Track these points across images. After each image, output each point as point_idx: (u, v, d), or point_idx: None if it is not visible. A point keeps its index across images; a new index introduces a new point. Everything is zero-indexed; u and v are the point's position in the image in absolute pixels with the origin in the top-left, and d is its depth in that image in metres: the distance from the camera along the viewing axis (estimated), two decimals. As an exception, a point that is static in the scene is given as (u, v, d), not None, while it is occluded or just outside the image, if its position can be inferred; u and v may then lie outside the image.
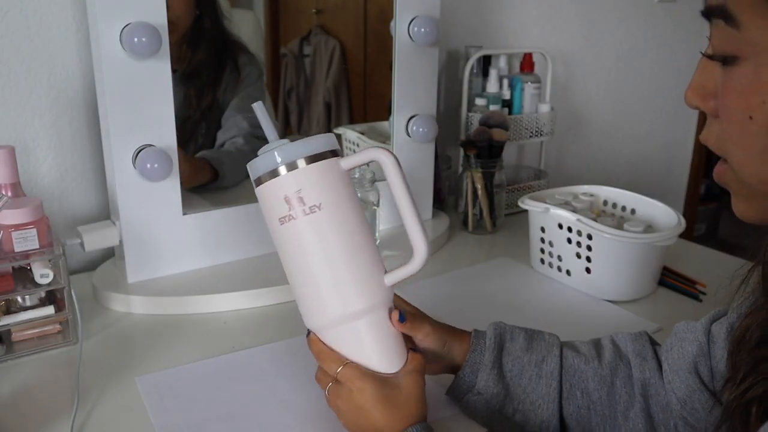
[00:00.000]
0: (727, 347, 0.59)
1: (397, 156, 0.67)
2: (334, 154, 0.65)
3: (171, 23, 0.94)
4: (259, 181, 0.64)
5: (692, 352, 0.64)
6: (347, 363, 0.65)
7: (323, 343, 0.67)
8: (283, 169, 0.63)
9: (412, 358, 0.66)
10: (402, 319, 0.67)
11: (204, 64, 1.15)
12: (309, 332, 0.69)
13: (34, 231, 0.83)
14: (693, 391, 0.63)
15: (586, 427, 0.68)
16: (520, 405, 0.68)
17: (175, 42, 1.07)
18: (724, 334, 0.62)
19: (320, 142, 0.65)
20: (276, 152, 0.64)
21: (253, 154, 0.68)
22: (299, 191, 0.63)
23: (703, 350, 0.64)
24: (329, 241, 0.63)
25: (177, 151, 0.96)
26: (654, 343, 0.71)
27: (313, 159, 0.64)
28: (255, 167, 0.65)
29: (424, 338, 0.69)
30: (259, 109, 0.67)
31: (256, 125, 1.19)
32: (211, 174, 1.14)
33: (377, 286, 0.65)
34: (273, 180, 0.63)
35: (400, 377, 0.65)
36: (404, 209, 0.66)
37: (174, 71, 0.93)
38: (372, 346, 0.65)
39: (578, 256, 1.01)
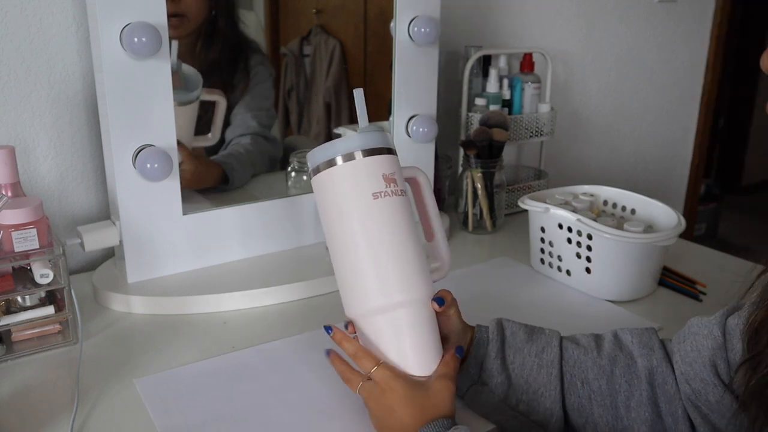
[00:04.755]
0: (743, 335, 0.60)
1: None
2: None
3: (181, 16, 0.93)
4: (351, 157, 0.66)
5: (707, 346, 0.65)
6: (382, 363, 0.67)
7: (362, 333, 0.70)
8: (387, 151, 0.68)
9: (445, 363, 0.68)
10: (441, 302, 0.69)
11: (217, 63, 1.15)
12: (329, 328, 0.71)
13: (34, 231, 0.83)
14: (707, 384, 0.63)
15: (589, 418, 0.69)
16: (524, 395, 0.70)
17: (187, 37, 1.07)
18: (741, 327, 0.62)
19: (391, 139, 0.71)
20: (386, 135, 0.69)
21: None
22: (394, 173, 0.68)
23: (718, 343, 0.64)
24: (409, 224, 0.68)
25: (184, 150, 0.95)
26: (662, 338, 0.72)
27: (393, 152, 0.70)
28: (354, 143, 0.67)
29: (454, 314, 0.72)
30: (357, 95, 0.71)
31: (264, 125, 1.20)
32: (221, 179, 1.14)
33: (429, 278, 0.70)
34: (379, 156, 0.67)
35: (431, 380, 0.67)
36: (435, 225, 0.75)
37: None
38: (410, 340, 0.67)
39: (578, 256, 1.01)
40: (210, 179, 1.13)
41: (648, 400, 0.67)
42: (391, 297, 0.66)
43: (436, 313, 0.71)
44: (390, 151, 0.69)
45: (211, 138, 1.14)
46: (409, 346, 0.67)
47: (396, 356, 0.67)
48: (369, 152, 0.67)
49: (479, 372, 0.72)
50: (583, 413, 0.69)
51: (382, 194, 0.66)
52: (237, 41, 1.18)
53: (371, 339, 0.68)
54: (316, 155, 0.68)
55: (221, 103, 1.12)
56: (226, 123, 1.18)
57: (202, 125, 1.14)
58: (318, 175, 0.68)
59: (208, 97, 1.12)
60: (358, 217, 0.66)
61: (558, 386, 0.69)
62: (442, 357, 0.69)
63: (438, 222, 0.76)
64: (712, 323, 0.66)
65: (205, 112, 1.13)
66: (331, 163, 0.67)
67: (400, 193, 0.67)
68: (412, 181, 0.75)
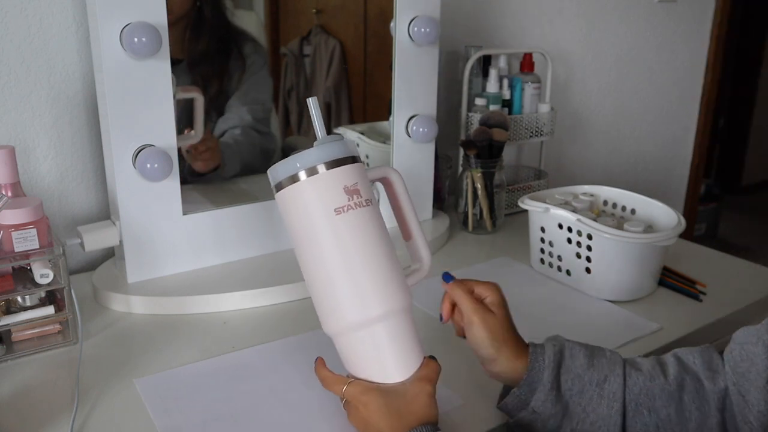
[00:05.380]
0: None
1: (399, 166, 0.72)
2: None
3: None
4: (314, 171, 0.64)
5: (760, 353, 0.62)
6: (350, 382, 0.66)
7: (341, 350, 0.68)
8: (348, 161, 0.65)
9: (425, 365, 0.67)
10: (448, 279, 0.68)
11: (207, 53, 1.15)
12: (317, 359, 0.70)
13: (34, 231, 0.83)
14: (759, 390, 0.61)
15: None
16: (579, 425, 0.66)
17: (173, 28, 1.08)
18: None
19: (354, 146, 0.68)
20: (345, 143, 0.66)
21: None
22: (356, 183, 0.65)
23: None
24: (378, 234, 0.65)
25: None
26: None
27: (356, 159, 0.67)
28: (312, 156, 0.64)
29: (479, 323, 0.68)
30: (313, 104, 0.68)
31: (258, 119, 1.20)
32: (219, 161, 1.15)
33: (404, 287, 0.67)
34: (336, 169, 0.64)
35: (407, 384, 0.65)
36: (412, 223, 0.72)
37: (180, 61, 0.93)
38: (390, 351, 0.66)
39: (578, 256, 1.01)
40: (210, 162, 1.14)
41: (718, 426, 0.64)
42: (365, 313, 0.64)
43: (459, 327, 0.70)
44: (353, 159, 0.66)
45: (195, 135, 1.13)
46: (389, 358, 0.66)
47: (377, 369, 0.66)
48: (330, 165, 0.64)
49: (531, 398, 0.67)
50: None
51: (345, 208, 0.63)
52: (227, 30, 1.18)
53: (351, 355, 0.67)
54: (276, 171, 0.66)
55: (199, 99, 1.11)
56: (220, 113, 1.19)
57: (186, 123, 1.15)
58: (279, 192, 0.66)
59: (184, 95, 1.11)
60: (323, 235, 0.64)
61: (619, 420, 0.65)
62: (422, 360, 0.67)
63: (415, 220, 0.73)
64: (760, 330, 0.63)
65: (186, 110, 1.13)
66: (293, 179, 0.64)
67: (364, 204, 0.65)
68: (384, 181, 0.72)
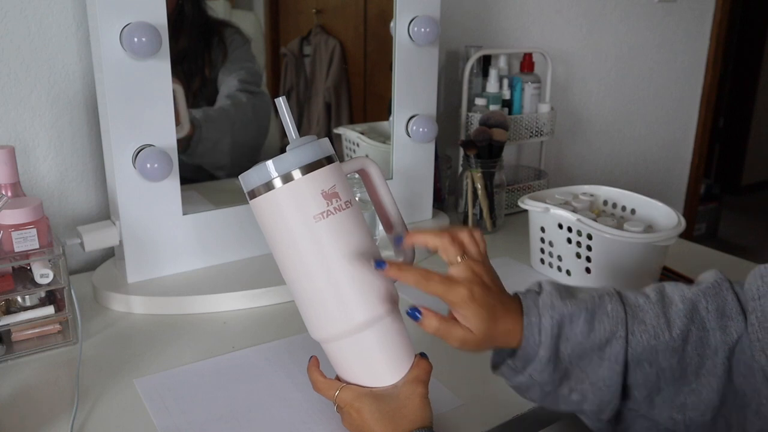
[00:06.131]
0: None
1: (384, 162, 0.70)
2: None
3: None
4: (289, 178, 0.61)
5: None
6: (342, 387, 0.65)
7: (330, 357, 0.67)
8: (323, 162, 0.62)
9: (416, 366, 0.66)
10: (415, 314, 0.61)
11: (188, 49, 1.15)
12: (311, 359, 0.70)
13: (34, 231, 0.83)
14: None
15: (653, 390, 0.63)
16: (578, 385, 0.63)
17: None
18: None
19: (328, 144, 0.65)
20: (319, 144, 0.63)
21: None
22: (334, 186, 0.62)
23: None
24: (360, 236, 0.63)
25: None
26: (735, 290, 0.63)
27: (332, 159, 0.64)
28: (286, 162, 0.61)
29: (468, 313, 0.61)
30: (282, 103, 0.65)
31: (247, 81, 1.21)
32: (190, 129, 1.14)
33: (390, 288, 0.65)
34: (313, 174, 0.61)
35: (399, 387, 0.65)
36: (392, 215, 0.70)
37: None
38: (380, 355, 0.65)
39: (578, 256, 1.01)
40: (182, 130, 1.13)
41: (725, 373, 0.61)
42: (351, 322, 0.63)
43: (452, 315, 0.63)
44: (329, 159, 0.63)
45: (181, 129, 1.13)
46: (379, 362, 0.65)
47: (367, 374, 0.65)
48: (306, 169, 0.61)
49: (527, 367, 0.63)
50: (647, 386, 0.63)
51: (324, 214, 0.61)
52: (207, 25, 1.18)
53: (340, 361, 0.66)
54: (249, 177, 0.63)
55: (179, 90, 1.11)
56: (215, 92, 1.19)
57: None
58: (254, 200, 0.63)
59: None
60: (302, 243, 0.61)
61: (619, 379, 0.62)
62: (413, 359, 0.67)
63: (395, 211, 0.70)
64: None
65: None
66: (267, 187, 0.61)
67: (344, 207, 0.62)
68: (362, 173, 0.69)
